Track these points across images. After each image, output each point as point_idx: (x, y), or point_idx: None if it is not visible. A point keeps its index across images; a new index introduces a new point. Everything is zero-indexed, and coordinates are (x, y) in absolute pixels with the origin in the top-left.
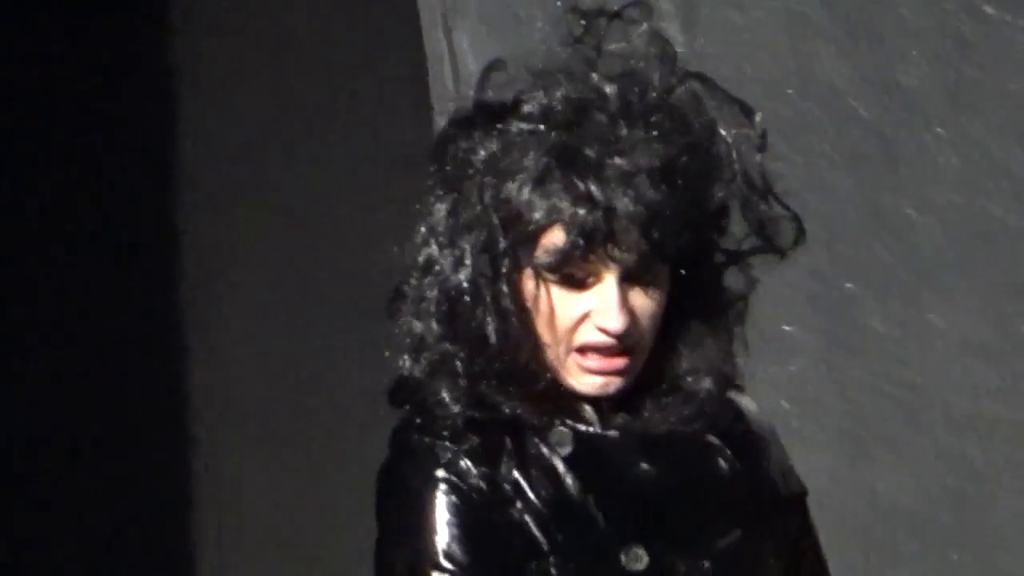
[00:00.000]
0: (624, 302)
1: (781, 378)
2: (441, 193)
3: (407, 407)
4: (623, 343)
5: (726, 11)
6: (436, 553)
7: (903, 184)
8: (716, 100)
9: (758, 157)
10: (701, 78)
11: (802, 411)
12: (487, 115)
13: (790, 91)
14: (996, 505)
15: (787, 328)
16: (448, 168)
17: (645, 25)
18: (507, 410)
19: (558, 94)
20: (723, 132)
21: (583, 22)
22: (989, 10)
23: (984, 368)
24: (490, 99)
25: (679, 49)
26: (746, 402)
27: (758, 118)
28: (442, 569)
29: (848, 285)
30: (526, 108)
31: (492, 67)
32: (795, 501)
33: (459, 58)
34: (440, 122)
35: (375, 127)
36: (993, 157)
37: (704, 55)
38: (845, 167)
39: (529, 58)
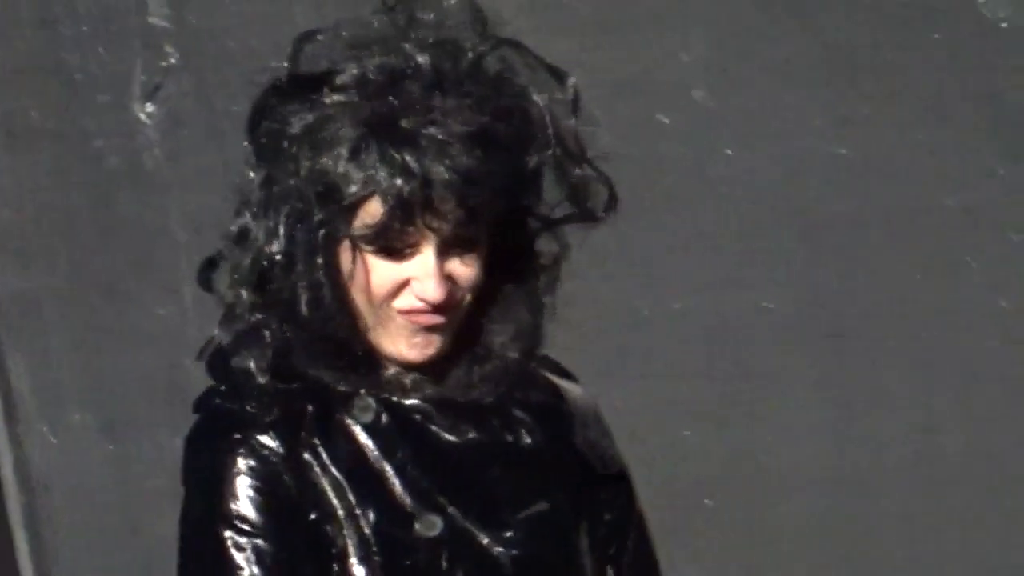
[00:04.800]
0: (442, 270)
1: None
2: (255, 163)
3: (217, 376)
4: (442, 309)
5: None
6: (232, 514)
7: None
8: (529, 66)
9: (572, 121)
10: (513, 44)
11: None
12: (301, 86)
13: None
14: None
15: None
16: (262, 139)
17: None
18: (311, 378)
19: (372, 64)
20: (536, 97)
21: None
22: None
23: None
24: (303, 70)
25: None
26: (567, 383)
27: (571, 82)
28: (238, 530)
29: None
30: (340, 79)
31: (304, 38)
32: (613, 481)
33: None
34: None
35: None
36: None
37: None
38: None
39: (341, 28)
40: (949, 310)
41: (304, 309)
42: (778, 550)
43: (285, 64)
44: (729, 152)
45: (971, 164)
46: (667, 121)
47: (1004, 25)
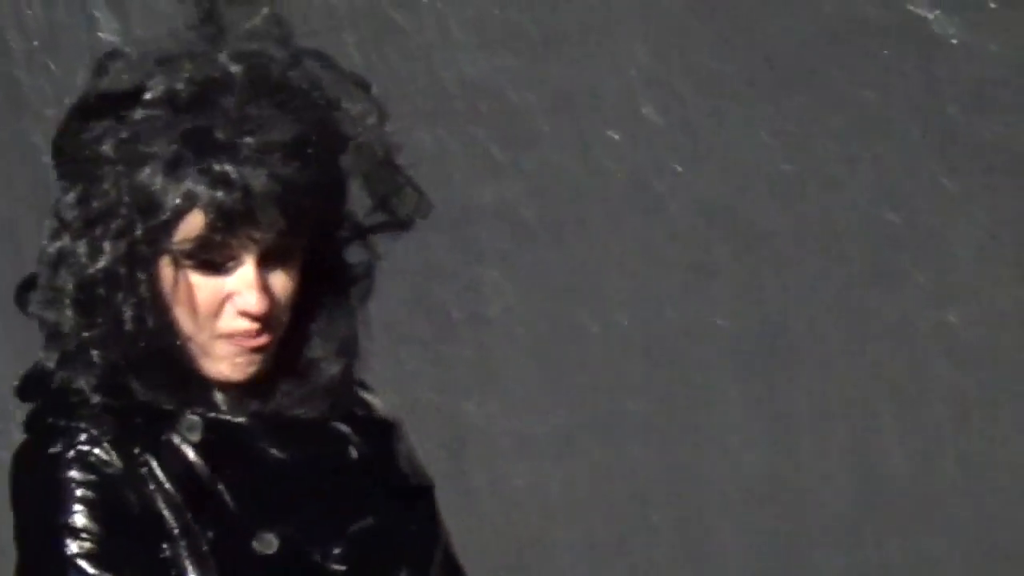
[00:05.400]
0: (263, 282)
1: None
2: (68, 185)
3: (39, 398)
4: (264, 324)
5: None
6: (75, 527)
7: None
8: (334, 77)
9: (381, 131)
10: (318, 56)
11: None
12: (109, 103)
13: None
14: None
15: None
16: (74, 159)
17: (265, 9)
18: (140, 397)
19: (182, 77)
20: (345, 105)
21: (204, 4)
22: None
23: (409, 353)
24: (110, 88)
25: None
26: (370, 396)
27: (374, 91)
28: (81, 539)
29: None
30: (150, 94)
31: (110, 56)
32: (424, 493)
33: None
34: None
35: None
36: (414, 139)
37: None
38: None
39: (148, 44)
40: (893, 325)
41: (129, 327)
42: (720, 566)
43: (89, 82)
44: (678, 168)
45: (915, 179)
46: (616, 137)
47: (953, 42)
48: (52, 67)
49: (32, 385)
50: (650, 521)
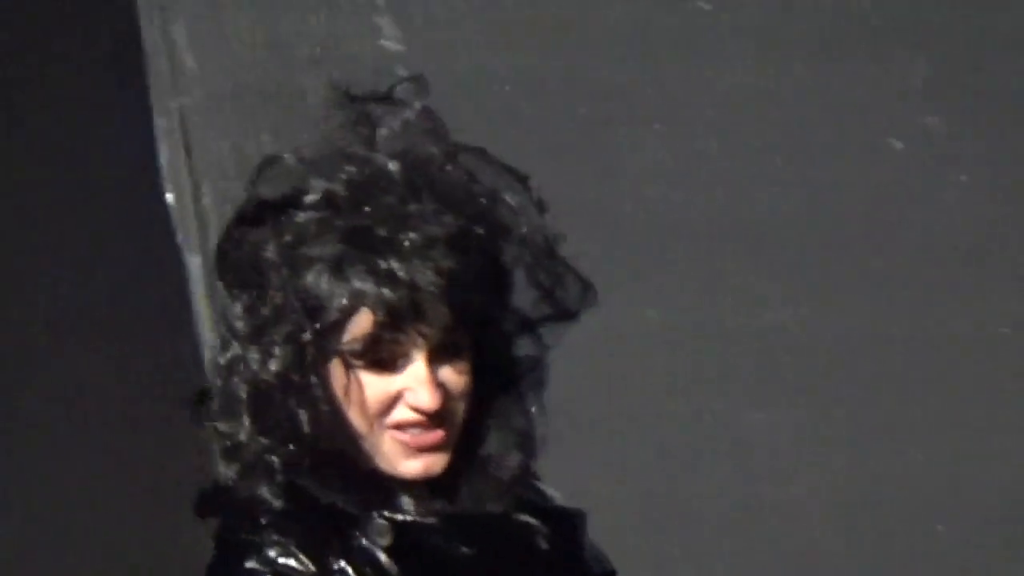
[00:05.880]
0: (435, 378)
1: None
2: (236, 292)
3: (220, 513)
4: (437, 419)
5: (433, 5)
6: None
7: (618, 180)
8: (492, 170)
9: (540, 220)
10: (476, 150)
11: None
12: (271, 209)
13: (507, 88)
14: (707, 499)
15: None
16: (238, 268)
17: (418, 104)
18: (324, 500)
19: (341, 178)
20: (506, 197)
21: (355, 104)
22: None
23: (690, 362)
24: (270, 194)
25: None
26: (545, 487)
27: (532, 183)
28: None
29: None
30: (310, 197)
31: (267, 163)
32: None
33: (178, 54)
34: (160, 122)
35: (90, 130)
36: (700, 152)
37: (415, 51)
38: (561, 164)
39: (303, 150)
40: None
41: (306, 430)
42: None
43: (245, 190)
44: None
45: None
46: (900, 146)
47: None
48: (335, 76)
49: (209, 500)
50: (931, 534)
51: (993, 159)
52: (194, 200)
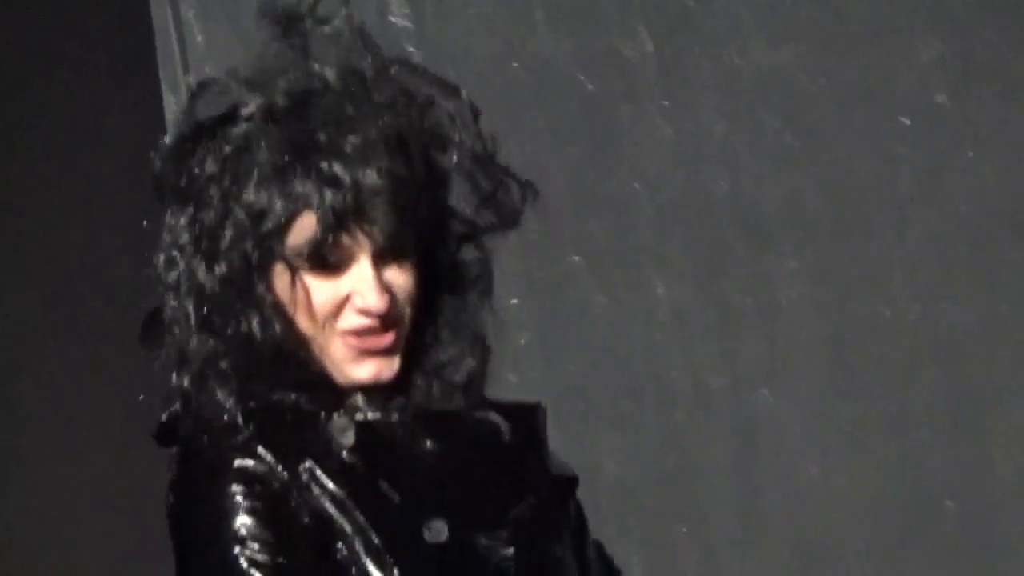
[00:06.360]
0: (381, 279)
1: (506, 353)
2: (178, 207)
3: (183, 429)
4: (385, 322)
5: None
6: (244, 536)
7: (623, 157)
8: (424, 80)
9: (476, 127)
10: (405, 63)
11: (526, 387)
12: (208, 127)
13: (515, 64)
14: (715, 480)
15: (513, 302)
16: (178, 185)
17: (344, 11)
18: (284, 401)
19: (280, 87)
20: (444, 103)
21: (286, 18)
22: None
23: (701, 340)
24: (208, 115)
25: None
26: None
27: (464, 95)
28: (252, 549)
29: (572, 259)
30: (247, 110)
31: (204, 85)
32: (569, 484)
33: (187, 30)
34: (170, 99)
35: (101, 107)
36: (705, 129)
37: (423, 28)
38: (567, 140)
39: (238, 68)
40: None
41: (257, 332)
42: (1012, 563)
43: (181, 113)
44: (970, 155)
45: None
46: (908, 123)
47: None
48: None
49: (169, 429)
50: (938, 517)
51: (1001, 136)
52: None
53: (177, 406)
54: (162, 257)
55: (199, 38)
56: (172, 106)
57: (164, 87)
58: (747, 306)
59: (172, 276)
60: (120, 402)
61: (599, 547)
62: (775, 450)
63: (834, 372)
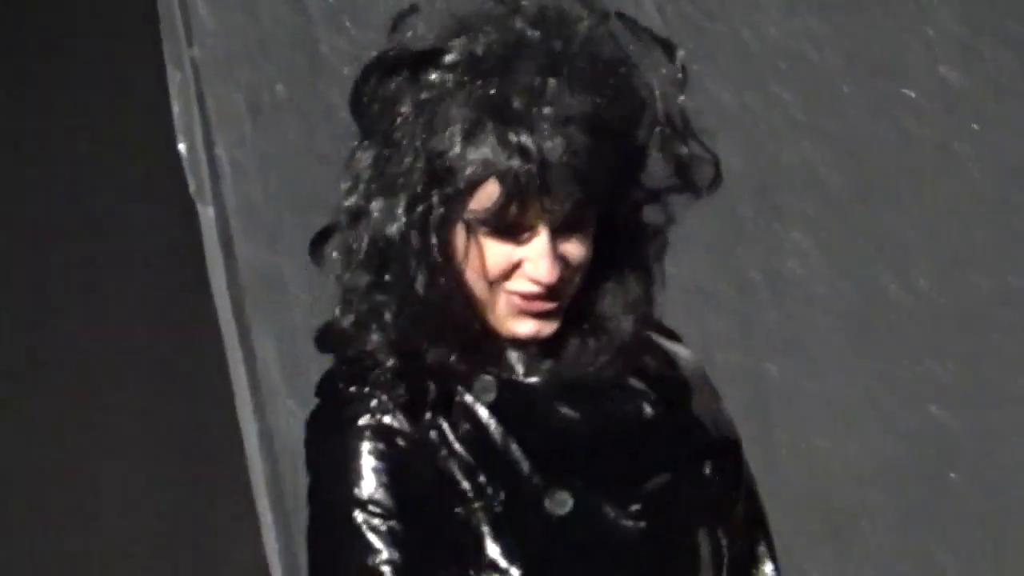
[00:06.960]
0: (556, 252)
1: None
2: (365, 142)
3: (334, 356)
4: (553, 290)
5: None
6: (363, 498)
7: None
8: (637, 39)
9: (680, 98)
10: (621, 17)
11: None
12: (407, 63)
13: None
14: None
15: None
16: (370, 116)
17: None
18: (432, 359)
19: (482, 42)
20: (645, 75)
21: None
22: None
23: (714, 314)
24: (411, 45)
25: None
26: (676, 347)
27: (680, 55)
28: (372, 513)
29: None
30: (448, 58)
31: (408, 12)
32: (727, 447)
33: (191, 3)
34: (174, 74)
35: (103, 84)
36: (718, 101)
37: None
38: None
39: (444, 2)
40: None
41: (421, 290)
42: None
43: (387, 37)
44: (983, 126)
45: None
46: (914, 96)
47: None
48: (348, 25)
49: (329, 340)
50: (955, 486)
51: (1006, 109)
52: (207, 151)
53: (337, 312)
54: (345, 183)
55: (203, 13)
56: (176, 80)
57: (168, 62)
58: (760, 279)
59: (349, 204)
60: (124, 402)
61: (751, 514)
62: (789, 423)
63: (848, 344)
